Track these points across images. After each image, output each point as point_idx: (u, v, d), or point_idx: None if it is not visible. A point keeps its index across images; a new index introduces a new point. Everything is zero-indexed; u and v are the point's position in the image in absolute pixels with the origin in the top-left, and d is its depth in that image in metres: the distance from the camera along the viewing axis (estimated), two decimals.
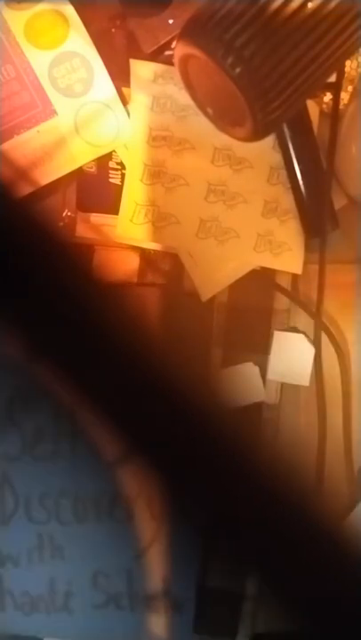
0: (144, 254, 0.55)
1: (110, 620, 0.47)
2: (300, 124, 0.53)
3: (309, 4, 0.42)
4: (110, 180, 0.54)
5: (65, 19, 0.49)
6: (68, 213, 0.54)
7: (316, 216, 0.54)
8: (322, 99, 0.55)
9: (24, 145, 0.50)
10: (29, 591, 0.47)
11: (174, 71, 0.50)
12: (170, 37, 0.52)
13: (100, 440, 0.41)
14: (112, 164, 0.54)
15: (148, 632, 0.47)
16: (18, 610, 0.47)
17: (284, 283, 0.56)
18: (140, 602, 0.47)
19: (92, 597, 0.47)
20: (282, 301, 0.56)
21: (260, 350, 0.55)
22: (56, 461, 0.47)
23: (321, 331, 0.55)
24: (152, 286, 0.55)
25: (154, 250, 0.54)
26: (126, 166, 0.53)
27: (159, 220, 0.53)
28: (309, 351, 0.55)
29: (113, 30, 0.53)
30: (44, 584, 0.47)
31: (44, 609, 0.47)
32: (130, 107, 0.53)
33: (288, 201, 0.55)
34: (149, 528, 0.45)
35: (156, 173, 0.53)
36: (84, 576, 0.47)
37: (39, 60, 0.49)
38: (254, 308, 0.56)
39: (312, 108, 0.54)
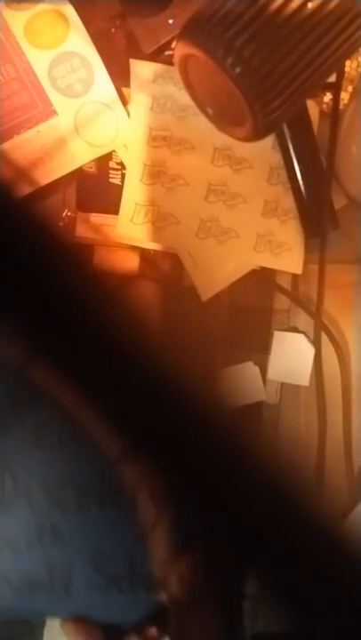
0: (144, 254, 0.55)
1: (110, 602, 0.47)
2: (300, 124, 0.53)
3: (309, 4, 0.42)
4: (110, 180, 0.54)
5: (65, 19, 0.49)
6: (68, 213, 0.54)
7: (316, 216, 0.54)
8: (322, 99, 0.55)
9: (24, 145, 0.50)
10: (28, 576, 0.47)
11: (174, 71, 0.50)
12: (170, 37, 0.52)
13: (104, 435, 0.41)
14: (112, 164, 0.54)
15: (147, 612, 0.47)
16: (16, 594, 0.47)
17: (284, 283, 0.56)
18: (140, 584, 0.47)
19: (93, 581, 0.47)
20: (282, 301, 0.56)
21: (260, 350, 0.55)
22: (60, 452, 0.47)
23: (321, 331, 0.55)
24: (152, 286, 0.55)
25: (154, 250, 0.54)
26: (126, 166, 0.53)
27: (159, 219, 0.53)
28: (309, 351, 0.55)
29: (113, 30, 0.53)
30: (44, 569, 0.47)
31: (44, 593, 0.47)
32: (130, 107, 0.53)
33: (288, 201, 0.55)
34: (151, 514, 0.45)
35: (156, 173, 0.53)
36: (85, 561, 0.47)
37: (39, 59, 0.49)
38: (254, 308, 0.56)
39: (312, 107, 0.54)
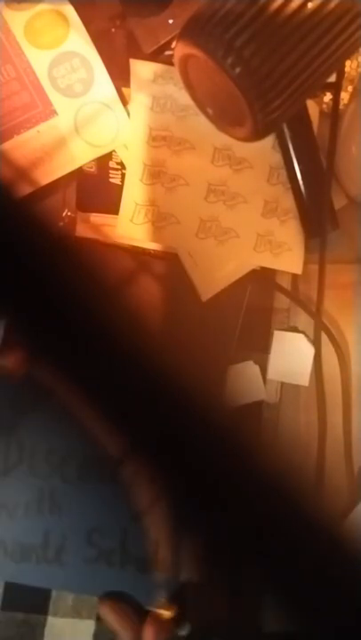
0: (144, 254, 0.55)
1: (100, 575, 0.48)
2: (300, 124, 0.53)
3: (309, 4, 0.42)
4: (110, 180, 0.54)
5: (65, 19, 0.49)
6: (68, 213, 0.54)
7: (316, 216, 0.54)
8: (322, 99, 0.55)
9: (24, 145, 0.50)
10: (22, 541, 0.48)
11: (174, 71, 0.50)
12: (170, 37, 0.52)
13: (104, 435, 0.42)
14: (112, 164, 0.54)
15: (137, 588, 0.48)
16: (7, 557, 0.48)
17: (285, 283, 0.56)
18: (130, 560, 0.48)
19: (85, 553, 0.48)
20: (282, 301, 0.56)
21: (260, 349, 0.55)
22: (68, 418, 0.48)
23: (321, 331, 0.55)
24: (152, 286, 0.55)
25: (154, 250, 0.54)
26: (126, 166, 0.53)
27: (159, 219, 0.53)
28: (309, 351, 0.55)
29: (113, 30, 0.53)
30: (39, 536, 0.48)
31: (35, 560, 0.48)
32: (130, 107, 0.53)
33: (288, 201, 0.55)
34: (149, 493, 0.46)
35: (156, 173, 0.53)
36: (80, 532, 0.48)
37: (39, 59, 0.49)
38: (254, 308, 0.56)
39: (312, 107, 0.54)
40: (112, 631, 0.46)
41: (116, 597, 0.47)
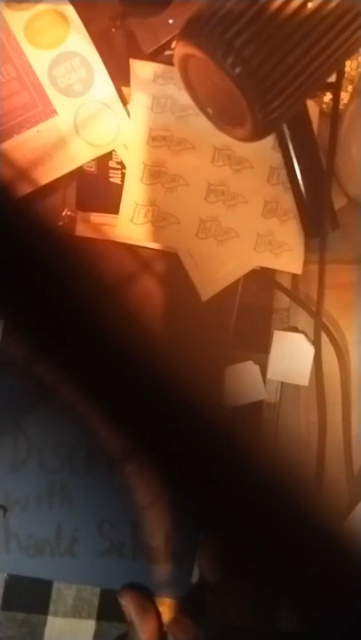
0: (144, 254, 0.55)
1: (112, 567, 0.49)
2: (300, 124, 0.53)
3: (309, 4, 0.42)
4: (110, 180, 0.54)
5: (65, 19, 0.49)
6: (68, 213, 0.54)
7: (316, 216, 0.54)
8: (322, 99, 0.55)
9: (24, 145, 0.50)
10: (35, 535, 0.49)
11: (174, 71, 0.50)
12: (170, 37, 0.52)
13: (106, 434, 0.42)
14: (112, 164, 0.54)
15: (148, 580, 0.48)
16: (22, 552, 0.49)
17: (285, 282, 0.56)
18: (142, 552, 0.49)
19: (97, 544, 0.49)
20: (282, 301, 0.56)
21: (260, 349, 0.55)
22: (72, 413, 0.48)
23: (321, 331, 0.55)
24: (151, 286, 0.55)
25: (154, 250, 0.54)
26: (126, 166, 0.53)
27: (159, 219, 0.53)
28: (309, 351, 0.55)
29: (113, 30, 0.53)
30: (51, 529, 0.49)
31: (49, 553, 0.49)
32: (130, 107, 0.53)
33: (288, 201, 0.55)
34: (156, 485, 0.46)
35: (156, 173, 0.53)
36: (91, 524, 0.49)
37: (39, 59, 0.49)
38: (254, 308, 0.56)
39: (312, 108, 0.54)
40: (128, 623, 0.46)
41: (135, 589, 0.47)
